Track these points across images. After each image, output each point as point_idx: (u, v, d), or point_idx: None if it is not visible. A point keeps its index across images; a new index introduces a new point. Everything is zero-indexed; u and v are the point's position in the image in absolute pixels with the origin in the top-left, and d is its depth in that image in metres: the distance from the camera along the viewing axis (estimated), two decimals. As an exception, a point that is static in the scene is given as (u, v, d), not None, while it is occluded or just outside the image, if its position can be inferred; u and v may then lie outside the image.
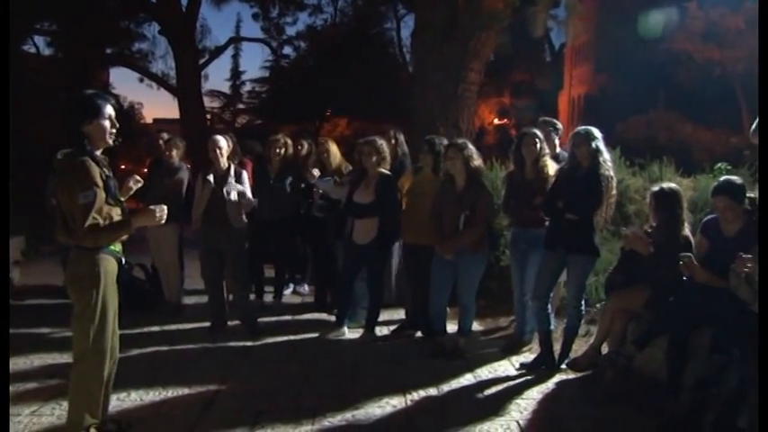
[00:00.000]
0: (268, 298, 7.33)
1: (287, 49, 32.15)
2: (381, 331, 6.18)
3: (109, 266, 3.50)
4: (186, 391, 4.60)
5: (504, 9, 9.54)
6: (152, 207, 3.58)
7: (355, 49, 26.91)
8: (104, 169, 3.44)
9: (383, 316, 6.28)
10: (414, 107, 10.02)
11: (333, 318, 6.44)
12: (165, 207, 3.61)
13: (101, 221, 3.38)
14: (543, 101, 32.25)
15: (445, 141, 5.96)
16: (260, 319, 6.32)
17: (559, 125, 6.36)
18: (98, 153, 3.49)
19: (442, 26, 9.39)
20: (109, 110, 3.51)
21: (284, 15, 29.70)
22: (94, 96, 3.51)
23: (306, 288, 7.90)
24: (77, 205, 3.32)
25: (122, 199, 3.67)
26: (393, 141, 6.70)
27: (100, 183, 3.37)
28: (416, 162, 6.47)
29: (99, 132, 3.47)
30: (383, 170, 5.98)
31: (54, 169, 3.45)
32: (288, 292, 7.73)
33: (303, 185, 7.10)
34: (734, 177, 4.73)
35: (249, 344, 5.80)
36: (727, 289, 4.19)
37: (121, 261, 3.62)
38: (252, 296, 6.83)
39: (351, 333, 6.09)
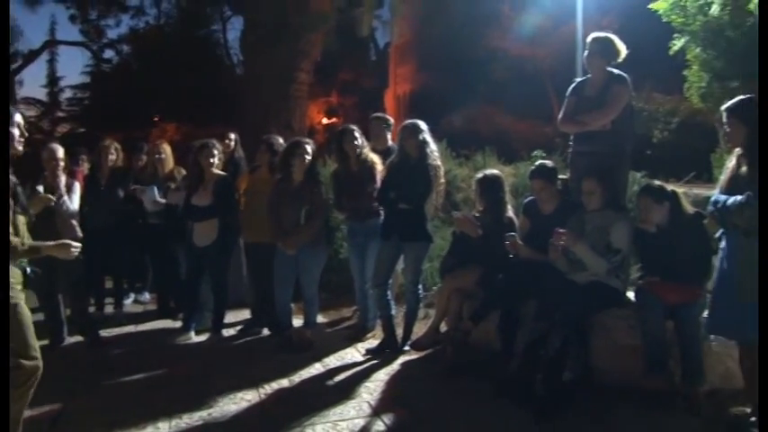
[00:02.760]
0: (109, 309, 7.09)
1: (109, 53, 30.83)
2: (228, 332, 6.19)
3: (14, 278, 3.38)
4: (29, 413, 4.35)
5: (331, 10, 9.81)
6: (67, 242, 3.56)
7: (181, 52, 26.26)
8: (12, 177, 3.32)
9: (228, 317, 6.29)
10: (245, 108, 10.04)
11: (177, 324, 6.38)
12: (79, 244, 3.57)
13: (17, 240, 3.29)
14: (369, 99, 32.92)
15: (281, 141, 6.11)
16: (102, 332, 6.13)
17: (391, 121, 6.66)
18: None
19: (271, 27, 9.49)
20: (18, 118, 3.39)
21: (105, 17, 28.40)
22: None
23: (147, 296, 7.71)
24: None
25: (31, 211, 3.53)
26: (233, 144, 6.79)
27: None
28: (251, 162, 6.56)
29: None
30: (219, 172, 6.02)
31: None
32: (128, 301, 7.51)
33: (134, 189, 6.92)
34: (547, 162, 5.21)
35: (93, 358, 5.61)
36: (549, 262, 4.65)
37: (26, 270, 3.51)
38: (91, 308, 6.59)
39: (198, 337, 6.06)
